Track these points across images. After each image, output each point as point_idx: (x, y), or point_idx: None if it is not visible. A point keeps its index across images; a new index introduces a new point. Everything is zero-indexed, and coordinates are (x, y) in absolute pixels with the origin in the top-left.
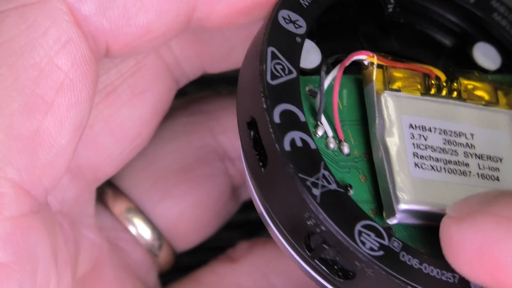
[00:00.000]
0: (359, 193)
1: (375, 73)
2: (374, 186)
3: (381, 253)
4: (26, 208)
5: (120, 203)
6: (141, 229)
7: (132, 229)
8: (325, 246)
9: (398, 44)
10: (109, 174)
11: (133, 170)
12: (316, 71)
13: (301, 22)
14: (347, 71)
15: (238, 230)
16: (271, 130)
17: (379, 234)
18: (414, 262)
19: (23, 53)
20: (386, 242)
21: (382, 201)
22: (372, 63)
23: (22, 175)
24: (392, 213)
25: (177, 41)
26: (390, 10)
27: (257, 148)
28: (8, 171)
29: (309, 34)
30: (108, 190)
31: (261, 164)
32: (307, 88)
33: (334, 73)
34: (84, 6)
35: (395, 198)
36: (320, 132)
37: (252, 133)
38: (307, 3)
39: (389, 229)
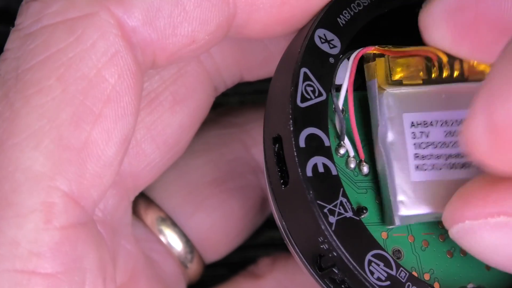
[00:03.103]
0: (373, 215)
1: (377, 68)
2: None
3: (387, 283)
4: (75, 219)
5: (152, 213)
6: (173, 241)
7: (164, 240)
8: (335, 270)
9: (411, 34)
10: (147, 182)
11: (166, 182)
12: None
13: (336, 42)
14: (361, 85)
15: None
16: (295, 153)
17: (387, 264)
18: None
19: (72, 64)
20: (393, 273)
21: (383, 205)
22: (374, 56)
23: (72, 185)
24: (392, 220)
25: (217, 48)
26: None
27: (280, 165)
28: (58, 181)
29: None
30: (140, 200)
31: (282, 181)
32: (333, 105)
33: (345, 88)
34: (132, 18)
35: (395, 204)
36: (342, 151)
37: (276, 148)
38: (343, 22)
39: (398, 252)
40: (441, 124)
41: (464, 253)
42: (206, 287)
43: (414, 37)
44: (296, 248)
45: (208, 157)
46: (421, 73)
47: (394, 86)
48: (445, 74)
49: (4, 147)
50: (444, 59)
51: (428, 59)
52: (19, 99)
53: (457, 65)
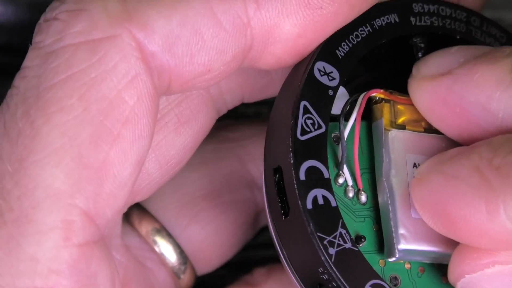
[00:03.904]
0: (371, 244)
1: (384, 110)
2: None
3: None
4: (90, 237)
5: (147, 224)
6: (167, 252)
7: (158, 250)
8: None
9: None
10: (143, 197)
11: (162, 194)
12: (347, 117)
13: (335, 74)
14: (365, 115)
15: None
16: (295, 186)
17: None
18: None
19: (93, 84)
20: None
21: (384, 239)
22: (381, 99)
23: (89, 204)
24: (392, 253)
25: None
26: (420, 56)
27: (281, 195)
28: (77, 199)
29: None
30: (134, 211)
31: (282, 212)
32: (333, 135)
33: (352, 120)
34: (152, 43)
35: (396, 238)
36: (340, 181)
37: (277, 179)
38: (342, 54)
39: (395, 279)
40: None
41: None
42: (206, 287)
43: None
44: (297, 276)
45: (204, 170)
46: (422, 123)
47: (399, 128)
48: None
49: (25, 164)
50: None
51: None
52: (40, 116)
53: None
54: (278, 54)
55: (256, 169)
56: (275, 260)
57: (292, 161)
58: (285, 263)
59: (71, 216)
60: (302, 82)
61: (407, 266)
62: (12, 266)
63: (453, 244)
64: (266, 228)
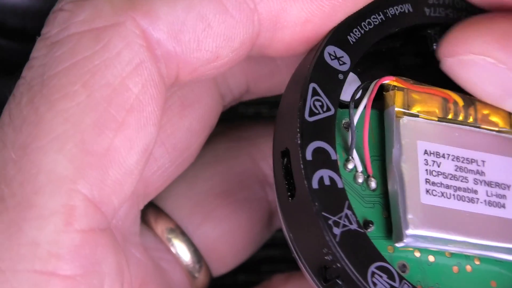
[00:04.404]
0: (379, 230)
1: (396, 97)
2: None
3: None
4: (95, 224)
5: (162, 223)
6: (182, 251)
7: (173, 250)
8: (338, 281)
9: (436, 76)
10: (157, 190)
11: (175, 192)
12: (357, 104)
13: (346, 59)
14: (378, 104)
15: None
16: (302, 166)
17: (391, 276)
18: None
19: (97, 71)
20: (396, 285)
21: (392, 224)
22: (394, 87)
23: (93, 190)
24: (400, 237)
25: None
26: (435, 47)
27: (288, 178)
28: (80, 184)
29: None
30: (150, 210)
31: (289, 194)
32: (343, 121)
33: (362, 107)
34: (157, 30)
35: (404, 222)
36: (350, 166)
37: (285, 162)
38: (354, 40)
39: (403, 266)
40: (452, 159)
41: (470, 268)
42: None
43: (426, 60)
44: (302, 259)
45: (217, 169)
46: (436, 110)
47: (411, 116)
48: (460, 117)
49: (28, 150)
50: (460, 103)
51: (444, 100)
52: (44, 103)
53: (471, 111)
54: (287, 40)
55: (268, 167)
56: (278, 259)
57: (299, 141)
58: (292, 248)
59: (73, 201)
60: (312, 65)
61: (417, 254)
62: (13, 250)
63: (462, 230)
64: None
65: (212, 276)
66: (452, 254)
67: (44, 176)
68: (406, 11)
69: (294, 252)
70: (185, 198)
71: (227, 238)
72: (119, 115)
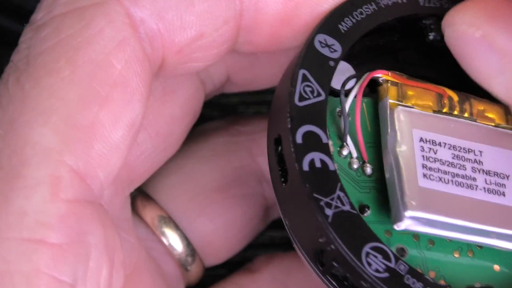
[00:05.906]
0: (376, 214)
1: (390, 90)
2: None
3: (386, 275)
4: (81, 195)
5: (151, 210)
6: (175, 243)
7: (165, 241)
8: (334, 264)
9: (436, 70)
10: (142, 176)
11: (171, 185)
12: (349, 93)
13: (337, 46)
14: (373, 98)
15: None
16: (292, 149)
17: (386, 257)
18: (418, 286)
19: (80, 48)
20: (392, 265)
21: (390, 207)
22: (387, 81)
23: (78, 162)
24: (399, 219)
25: None
26: (431, 38)
27: (281, 164)
28: (65, 156)
29: (350, 56)
30: (139, 196)
31: (282, 179)
32: (337, 109)
33: (354, 94)
34: (140, 8)
35: (402, 205)
36: (345, 152)
37: (279, 150)
38: (345, 28)
39: (401, 250)
40: (449, 148)
41: (471, 253)
42: (204, 287)
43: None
44: (299, 245)
45: (214, 163)
46: (431, 104)
47: (406, 106)
48: (455, 112)
49: (14, 125)
50: (455, 98)
51: (439, 95)
52: (29, 80)
53: (466, 107)
54: (270, 21)
55: (266, 163)
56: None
57: (289, 126)
58: (289, 234)
59: (59, 172)
60: (302, 52)
61: (416, 238)
62: (1, 219)
63: (462, 215)
64: (266, 227)
65: (205, 267)
66: (452, 241)
67: (30, 148)
68: (400, 1)
69: (292, 240)
70: (181, 191)
71: (222, 233)
72: (103, 90)
